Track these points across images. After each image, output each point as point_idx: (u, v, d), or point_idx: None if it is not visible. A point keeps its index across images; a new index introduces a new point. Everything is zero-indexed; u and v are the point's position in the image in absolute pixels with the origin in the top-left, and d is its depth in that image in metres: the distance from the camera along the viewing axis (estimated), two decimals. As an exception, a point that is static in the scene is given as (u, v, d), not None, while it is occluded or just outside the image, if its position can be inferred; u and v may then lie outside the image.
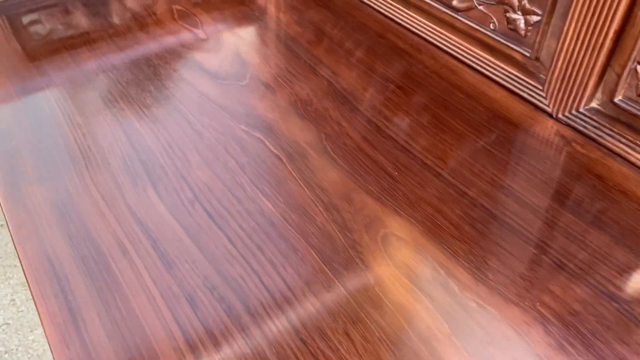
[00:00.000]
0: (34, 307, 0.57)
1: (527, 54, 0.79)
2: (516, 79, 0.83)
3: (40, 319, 0.53)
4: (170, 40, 0.96)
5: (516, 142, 0.76)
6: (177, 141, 0.73)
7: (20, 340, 1.28)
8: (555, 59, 0.75)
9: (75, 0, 1.07)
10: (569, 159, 0.74)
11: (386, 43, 0.96)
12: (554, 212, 0.66)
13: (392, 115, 0.80)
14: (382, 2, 1.01)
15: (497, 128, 0.78)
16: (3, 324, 1.32)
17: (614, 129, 0.72)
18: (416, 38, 0.96)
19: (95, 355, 0.51)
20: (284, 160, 0.72)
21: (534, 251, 0.61)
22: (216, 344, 0.52)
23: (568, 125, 0.77)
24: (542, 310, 0.55)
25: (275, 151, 0.73)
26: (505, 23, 0.81)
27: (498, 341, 0.53)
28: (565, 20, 0.72)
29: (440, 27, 0.92)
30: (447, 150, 0.74)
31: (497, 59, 0.85)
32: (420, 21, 0.95)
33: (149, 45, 0.94)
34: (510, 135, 0.77)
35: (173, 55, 0.92)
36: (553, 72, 0.76)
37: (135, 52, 0.93)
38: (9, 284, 1.40)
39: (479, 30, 0.85)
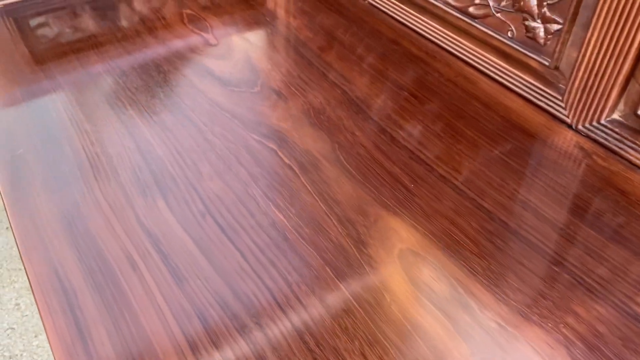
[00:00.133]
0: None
1: (546, 63, 0.77)
2: (534, 88, 0.81)
3: (47, 335, 0.52)
4: (179, 45, 0.94)
5: (534, 154, 0.74)
6: (187, 150, 0.72)
7: (24, 346, 1.27)
8: (575, 68, 0.73)
9: (83, 3, 1.06)
10: (589, 171, 0.72)
11: (400, 50, 0.94)
12: (574, 226, 0.64)
13: (407, 124, 0.78)
14: (396, 7, 0.99)
15: (514, 138, 0.76)
16: (8, 329, 1.30)
17: (637, 142, 0.70)
18: (430, 45, 0.94)
19: (104, 375, 0.49)
20: (297, 171, 0.70)
21: (555, 268, 0.59)
22: (228, 365, 0.50)
23: (588, 137, 0.75)
24: (566, 332, 0.53)
25: (287, 162, 0.71)
26: (524, 31, 0.79)
27: (520, 364, 0.51)
28: (588, 29, 0.70)
29: (455, 34, 0.90)
30: (463, 161, 0.72)
31: (514, 67, 0.83)
32: (435, 28, 0.93)
33: (158, 50, 0.93)
34: (528, 146, 0.75)
35: (183, 60, 0.90)
36: (573, 82, 0.74)
37: (144, 57, 0.91)
38: (14, 287, 1.39)
39: (495, 38, 0.83)
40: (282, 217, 0.64)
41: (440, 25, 0.92)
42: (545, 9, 0.75)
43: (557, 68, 0.77)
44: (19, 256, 1.46)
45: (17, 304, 1.35)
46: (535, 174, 0.71)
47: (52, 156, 0.71)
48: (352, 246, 0.61)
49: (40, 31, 0.99)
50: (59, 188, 0.66)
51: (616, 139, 0.72)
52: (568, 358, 0.51)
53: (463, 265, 0.59)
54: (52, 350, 0.51)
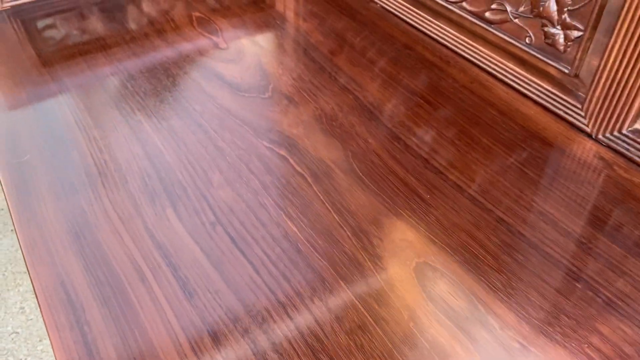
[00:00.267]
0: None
1: (566, 71, 0.75)
2: (552, 96, 0.79)
3: (54, 351, 0.50)
4: (189, 48, 0.92)
5: (553, 164, 0.72)
6: (197, 158, 0.70)
7: (29, 350, 1.26)
8: (597, 76, 0.71)
9: (91, 5, 1.04)
10: (611, 183, 0.70)
11: (413, 55, 0.92)
12: (596, 241, 0.62)
13: (421, 131, 0.76)
14: (410, 12, 0.97)
15: (531, 147, 0.74)
16: (12, 333, 1.29)
17: (660, 153, 0.68)
18: (445, 50, 0.92)
19: (112, 394, 0.47)
20: (309, 179, 0.68)
21: (578, 285, 0.57)
22: (240, 384, 0.48)
23: (609, 146, 0.73)
24: (590, 353, 0.51)
25: (299, 170, 0.69)
26: (542, 37, 0.77)
27: (543, 387, 0.49)
28: (610, 36, 0.68)
29: (471, 40, 0.88)
30: (479, 170, 0.70)
31: (531, 74, 0.81)
32: (450, 33, 0.91)
33: (166, 54, 0.91)
34: (546, 156, 0.73)
35: (192, 64, 0.88)
36: (594, 91, 0.72)
37: (153, 60, 0.89)
38: (19, 291, 1.38)
39: (512, 44, 0.81)
40: (294, 227, 0.62)
41: (455, 30, 0.90)
42: (565, 15, 0.73)
43: (577, 76, 0.74)
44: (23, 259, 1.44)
45: (22, 308, 1.34)
46: (553, 185, 0.69)
47: (59, 162, 0.69)
48: (366, 259, 0.59)
49: (47, 33, 0.98)
50: (65, 195, 0.65)
51: (638, 150, 0.70)
52: (593, 380, 0.49)
53: (482, 281, 0.57)
54: (58, 366, 0.49)
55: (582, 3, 0.70)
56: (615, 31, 0.67)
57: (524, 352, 0.51)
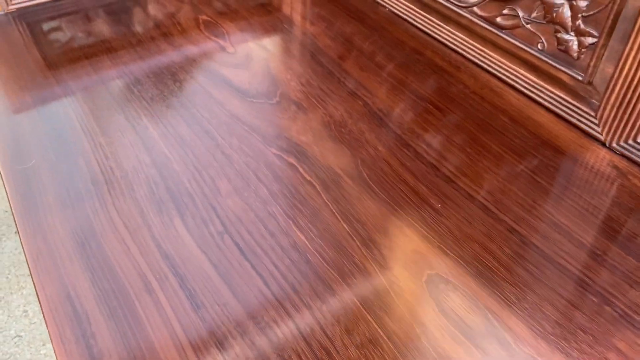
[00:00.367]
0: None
1: (579, 78, 0.74)
2: (565, 103, 0.77)
3: (59, 365, 0.49)
4: (195, 52, 0.91)
5: (566, 172, 0.71)
6: (205, 166, 0.69)
7: (32, 354, 1.25)
8: (611, 84, 0.70)
9: (97, 8, 1.03)
10: (625, 192, 0.68)
11: (423, 60, 0.91)
12: (612, 253, 0.61)
13: (431, 138, 0.75)
14: (419, 16, 0.96)
15: (544, 156, 0.73)
16: (15, 337, 1.28)
17: (676, 163, 0.67)
18: (455, 55, 0.91)
19: (118, 410, 0.46)
20: (318, 188, 0.67)
21: (594, 299, 0.56)
22: (249, 400, 0.47)
23: (623, 155, 0.72)
24: (608, 370, 0.50)
25: (308, 178, 0.68)
26: (555, 44, 0.76)
27: (560, 405, 0.48)
28: (626, 43, 0.66)
29: (482, 45, 0.87)
30: (491, 179, 0.69)
31: (544, 81, 0.79)
32: (460, 38, 0.90)
33: (173, 57, 0.90)
34: (558, 164, 0.72)
35: (199, 69, 0.87)
36: (608, 98, 0.71)
37: (159, 64, 0.88)
38: (22, 294, 1.37)
39: (524, 50, 0.80)
40: (303, 237, 0.61)
41: (465, 36, 0.89)
42: (579, 21, 0.72)
43: (590, 83, 0.73)
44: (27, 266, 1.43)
45: (25, 311, 1.33)
46: (566, 194, 0.68)
47: (64, 169, 0.68)
48: (377, 271, 0.58)
49: (53, 36, 0.97)
50: (71, 203, 0.64)
51: (654, 159, 0.69)
52: (611, 398, 0.48)
53: (496, 294, 0.56)
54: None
55: (598, 9, 0.69)
56: (632, 38, 0.65)
57: (540, 368, 0.50)
